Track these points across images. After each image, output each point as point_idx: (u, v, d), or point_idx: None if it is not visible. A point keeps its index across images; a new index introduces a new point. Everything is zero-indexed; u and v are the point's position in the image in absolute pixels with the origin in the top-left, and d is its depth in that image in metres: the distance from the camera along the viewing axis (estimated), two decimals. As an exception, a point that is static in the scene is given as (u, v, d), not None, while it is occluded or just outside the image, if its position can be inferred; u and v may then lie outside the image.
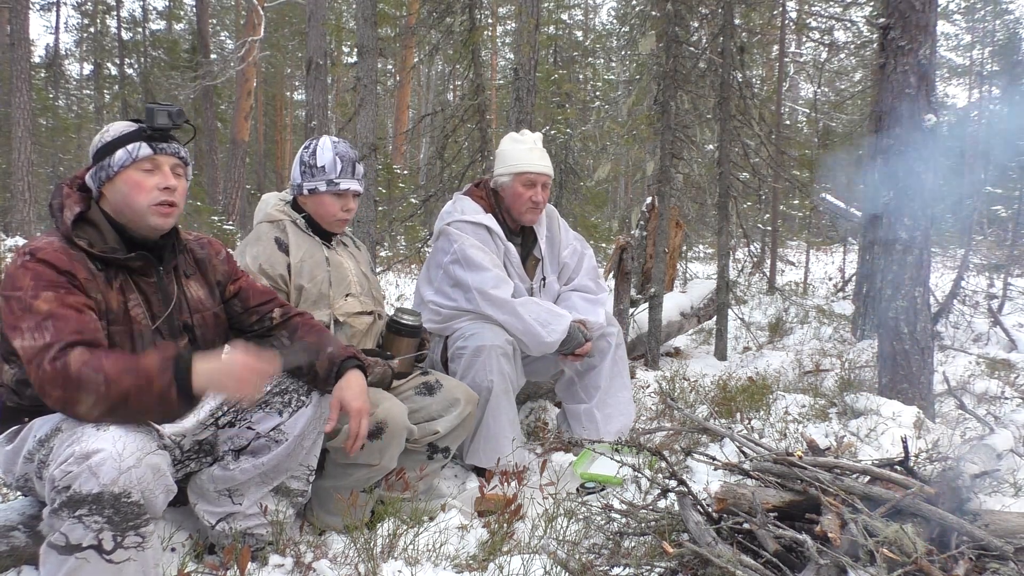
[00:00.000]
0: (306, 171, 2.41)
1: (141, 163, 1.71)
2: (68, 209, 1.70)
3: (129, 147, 1.71)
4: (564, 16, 20.15)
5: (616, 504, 2.20)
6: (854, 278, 8.03)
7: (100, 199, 1.75)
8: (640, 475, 2.44)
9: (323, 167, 2.39)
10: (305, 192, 2.42)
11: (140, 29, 20.38)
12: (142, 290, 1.77)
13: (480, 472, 2.78)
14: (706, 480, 2.62)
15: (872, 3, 7.60)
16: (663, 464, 2.15)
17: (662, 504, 2.13)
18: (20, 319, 1.55)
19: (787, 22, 9.45)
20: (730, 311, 5.72)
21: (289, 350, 1.95)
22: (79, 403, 1.51)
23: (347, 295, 2.43)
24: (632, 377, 4.22)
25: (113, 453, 1.44)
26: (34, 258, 1.60)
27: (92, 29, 22.37)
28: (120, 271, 1.73)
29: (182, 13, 22.06)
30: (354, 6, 10.12)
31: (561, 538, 2.11)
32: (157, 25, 21.55)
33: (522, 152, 2.99)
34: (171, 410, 1.59)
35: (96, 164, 1.73)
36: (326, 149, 2.40)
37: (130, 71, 20.67)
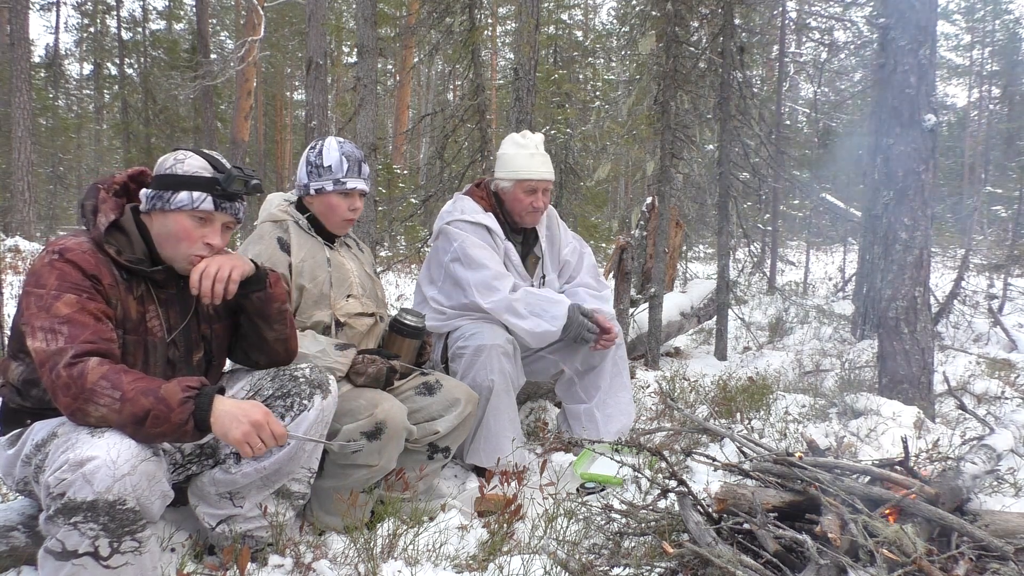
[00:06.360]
0: (312, 171, 2.41)
1: (197, 212, 1.71)
2: (103, 214, 1.68)
3: (194, 194, 1.69)
4: (564, 16, 20.13)
5: (616, 504, 2.20)
6: (854, 278, 8.03)
7: (145, 214, 1.74)
8: (640, 475, 2.45)
9: (329, 167, 2.38)
10: (312, 192, 2.41)
11: (140, 29, 20.40)
12: (161, 302, 1.77)
13: (480, 472, 2.78)
14: (706, 480, 2.62)
15: (872, 3, 7.60)
16: (663, 464, 2.15)
17: (662, 504, 2.13)
18: (35, 317, 1.55)
19: (787, 22, 9.45)
20: (730, 311, 5.72)
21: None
22: (88, 414, 1.50)
23: (348, 296, 2.43)
24: (632, 377, 4.22)
25: (107, 460, 1.43)
26: (62, 258, 1.59)
27: (92, 29, 22.42)
28: (142, 281, 1.73)
29: (182, 13, 22.06)
30: (354, 6, 10.12)
31: (561, 538, 2.11)
32: (157, 25, 21.56)
33: (524, 158, 2.99)
34: (182, 440, 1.59)
35: (158, 189, 1.70)
36: (332, 149, 2.40)
37: (130, 71, 20.69)
